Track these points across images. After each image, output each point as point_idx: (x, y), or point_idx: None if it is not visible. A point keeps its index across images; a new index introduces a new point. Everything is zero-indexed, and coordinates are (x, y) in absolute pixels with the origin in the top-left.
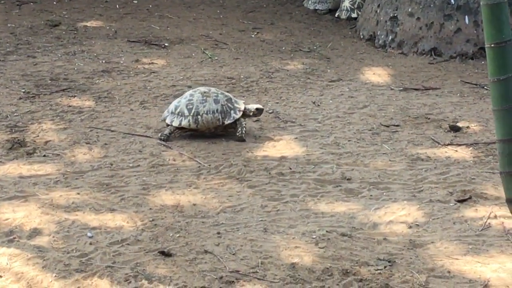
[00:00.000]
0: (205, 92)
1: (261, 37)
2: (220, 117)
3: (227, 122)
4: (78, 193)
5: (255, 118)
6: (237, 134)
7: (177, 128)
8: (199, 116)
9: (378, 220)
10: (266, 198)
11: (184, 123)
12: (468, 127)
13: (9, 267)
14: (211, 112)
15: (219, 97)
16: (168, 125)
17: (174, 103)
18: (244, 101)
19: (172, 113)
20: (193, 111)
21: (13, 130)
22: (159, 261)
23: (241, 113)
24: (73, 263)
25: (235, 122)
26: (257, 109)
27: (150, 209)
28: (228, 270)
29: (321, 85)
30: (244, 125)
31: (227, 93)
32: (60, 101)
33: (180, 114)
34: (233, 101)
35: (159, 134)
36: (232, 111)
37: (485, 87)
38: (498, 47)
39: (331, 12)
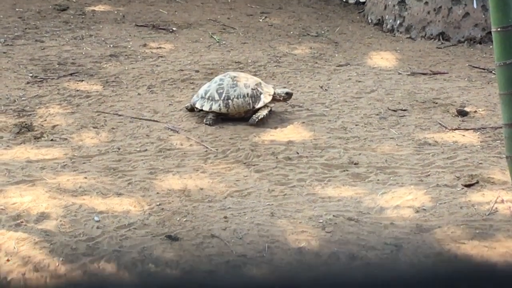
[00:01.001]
0: (235, 77)
1: (269, 21)
2: (250, 101)
3: (257, 106)
4: (85, 177)
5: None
6: (253, 116)
7: (206, 112)
8: (229, 101)
9: (385, 205)
10: (273, 183)
11: (215, 107)
12: (475, 111)
13: (17, 251)
14: (241, 97)
15: (249, 82)
16: (198, 109)
17: (203, 87)
18: (273, 86)
19: (202, 97)
20: (223, 96)
21: (21, 115)
22: (166, 245)
23: (271, 97)
24: (80, 247)
25: (265, 106)
26: (287, 93)
27: (157, 193)
28: (235, 254)
29: (329, 69)
30: (265, 112)
31: (256, 78)
32: (67, 85)
33: (210, 98)
34: (262, 85)
35: (204, 120)
36: (262, 95)
37: (493, 72)
38: (505, 31)
39: None
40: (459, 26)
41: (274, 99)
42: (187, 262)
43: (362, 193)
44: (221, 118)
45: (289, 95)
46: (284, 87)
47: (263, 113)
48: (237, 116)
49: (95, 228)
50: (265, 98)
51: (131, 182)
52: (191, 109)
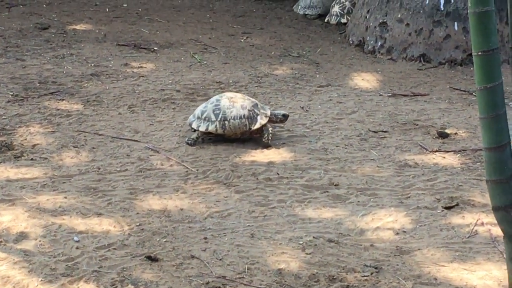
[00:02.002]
0: (231, 98)
1: (250, 41)
2: (247, 122)
3: (253, 127)
4: (65, 197)
5: (281, 124)
6: (263, 139)
7: (203, 133)
8: (226, 122)
9: (365, 226)
10: (253, 204)
11: (211, 128)
12: (456, 133)
13: None
14: (238, 118)
15: (246, 103)
16: (194, 130)
17: (200, 108)
18: (270, 107)
19: (198, 118)
20: (220, 116)
21: (1, 133)
22: (145, 266)
23: (267, 118)
24: (60, 267)
25: (261, 128)
26: (283, 115)
27: (137, 213)
28: (214, 276)
29: (310, 90)
30: (270, 131)
31: (253, 99)
32: (48, 104)
33: (207, 119)
34: (259, 106)
35: (186, 139)
36: (258, 117)
37: (473, 94)
38: (485, 55)
39: (321, 17)
40: (440, 48)
41: (271, 120)
42: (166, 283)
43: (342, 215)
44: (206, 138)
45: (285, 117)
46: (274, 109)
47: (269, 132)
48: (233, 137)
49: (75, 248)
50: (262, 120)
51: (111, 202)
52: (193, 143)
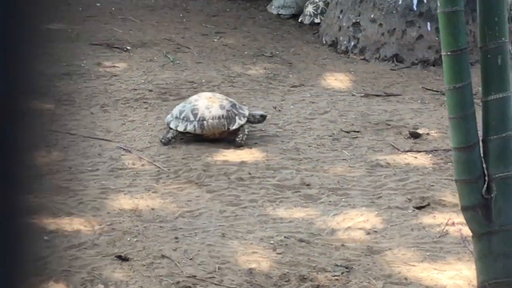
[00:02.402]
0: (210, 97)
1: (223, 41)
2: (225, 122)
3: (232, 128)
4: (36, 196)
5: (260, 125)
6: (237, 139)
7: (181, 133)
8: (204, 122)
9: (337, 226)
10: (224, 203)
11: (190, 128)
12: (428, 133)
13: None
14: (216, 118)
15: (224, 103)
16: (171, 129)
17: (178, 107)
18: (248, 107)
19: (176, 117)
20: (198, 116)
21: None
22: (116, 265)
23: (246, 119)
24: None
25: (240, 128)
26: (261, 115)
27: (108, 213)
28: (185, 275)
29: (283, 90)
30: (246, 132)
31: (231, 99)
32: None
33: (185, 119)
34: (237, 106)
35: (161, 137)
36: (237, 117)
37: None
38: (455, 55)
39: (294, 17)
40: (413, 48)
41: (249, 121)
42: (137, 283)
43: (314, 215)
44: (178, 138)
45: (263, 117)
46: (264, 108)
47: (244, 133)
48: (211, 137)
49: (45, 248)
50: (240, 120)
51: (82, 202)
52: (167, 142)
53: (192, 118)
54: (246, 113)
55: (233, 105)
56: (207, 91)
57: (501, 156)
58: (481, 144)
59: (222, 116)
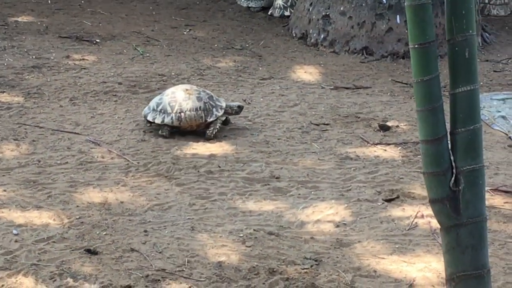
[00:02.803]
0: (187, 90)
1: (193, 34)
2: (203, 114)
3: (209, 119)
4: (5, 190)
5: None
6: (208, 132)
7: (159, 125)
8: (182, 114)
9: (306, 219)
10: (194, 196)
11: (167, 120)
12: (397, 126)
13: None
14: (194, 110)
15: (201, 95)
16: (149, 122)
17: (155, 100)
18: (224, 99)
19: (154, 110)
20: (176, 108)
21: None
22: (85, 259)
23: (223, 111)
24: None
25: (217, 120)
26: (238, 106)
27: (77, 206)
28: (154, 269)
29: (252, 83)
30: (218, 126)
31: (208, 91)
32: None
33: (162, 111)
34: (214, 98)
35: (159, 131)
36: (214, 109)
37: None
38: (422, 47)
39: (264, 10)
40: (382, 41)
41: (226, 112)
42: (106, 276)
43: (283, 207)
44: (171, 131)
45: (240, 108)
46: (233, 100)
47: (216, 126)
48: (189, 129)
49: (13, 242)
50: (217, 112)
51: (51, 195)
52: (168, 134)
53: (169, 110)
54: (223, 105)
55: (210, 97)
56: (177, 83)
57: (469, 149)
58: (449, 137)
59: (200, 108)
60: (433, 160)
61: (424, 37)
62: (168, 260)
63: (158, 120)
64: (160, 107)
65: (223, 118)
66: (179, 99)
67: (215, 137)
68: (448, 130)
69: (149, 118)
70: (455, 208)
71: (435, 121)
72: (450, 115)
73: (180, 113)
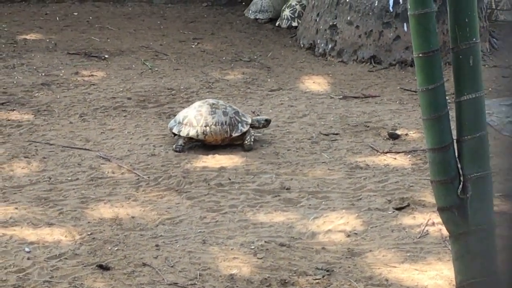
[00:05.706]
0: (213, 104)
1: (201, 47)
2: (228, 129)
3: (234, 134)
4: (16, 208)
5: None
6: (245, 142)
7: (184, 138)
8: (207, 127)
9: (317, 229)
10: (205, 210)
11: (192, 133)
12: (406, 134)
13: None
14: (219, 124)
15: (228, 110)
16: (175, 134)
17: (182, 113)
18: (250, 115)
19: (179, 123)
20: (201, 122)
21: None
22: (97, 275)
23: (248, 126)
24: (10, 278)
25: (242, 135)
26: (265, 120)
27: (89, 222)
28: (166, 283)
29: (261, 94)
30: (252, 133)
31: (234, 106)
32: None
33: (188, 124)
34: (240, 114)
35: (174, 146)
36: (239, 124)
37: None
38: (426, 56)
39: (272, 21)
40: (390, 49)
41: (253, 126)
42: None
43: (294, 218)
44: (196, 145)
45: (268, 121)
46: (258, 115)
47: (251, 137)
48: (213, 143)
49: (26, 259)
50: (243, 127)
51: (62, 212)
52: (181, 149)
53: (195, 123)
54: (249, 120)
55: (236, 112)
56: (185, 97)
57: (476, 156)
58: (456, 145)
59: (225, 122)
60: (440, 168)
61: (428, 46)
62: (180, 274)
63: (183, 133)
64: (186, 120)
65: (252, 131)
66: (205, 113)
67: (224, 150)
68: (455, 138)
69: (175, 130)
70: (464, 216)
71: (441, 130)
72: (456, 123)
73: (205, 126)
